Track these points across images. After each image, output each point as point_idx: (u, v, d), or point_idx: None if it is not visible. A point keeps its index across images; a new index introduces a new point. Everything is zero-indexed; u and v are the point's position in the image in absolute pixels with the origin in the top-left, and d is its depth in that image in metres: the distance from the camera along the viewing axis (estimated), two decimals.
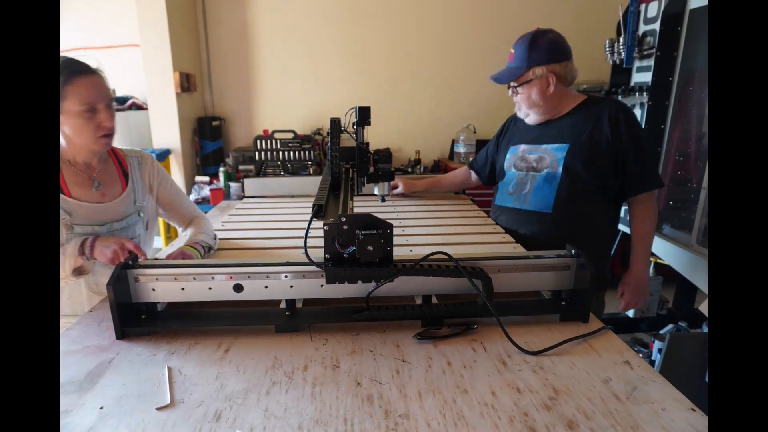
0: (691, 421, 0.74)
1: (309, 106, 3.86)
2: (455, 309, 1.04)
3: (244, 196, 2.23)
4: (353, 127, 1.36)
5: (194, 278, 1.03)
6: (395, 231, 0.99)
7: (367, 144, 1.37)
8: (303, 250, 0.97)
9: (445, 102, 3.90)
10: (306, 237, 0.98)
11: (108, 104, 1.22)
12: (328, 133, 4.02)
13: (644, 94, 2.09)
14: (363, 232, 0.93)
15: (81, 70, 1.18)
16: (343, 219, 0.94)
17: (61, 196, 1.17)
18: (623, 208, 2.35)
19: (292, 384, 0.84)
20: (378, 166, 1.37)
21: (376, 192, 1.44)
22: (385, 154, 1.38)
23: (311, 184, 2.31)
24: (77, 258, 1.18)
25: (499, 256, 1.08)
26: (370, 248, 0.93)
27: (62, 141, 1.21)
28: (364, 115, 1.34)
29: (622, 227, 2.42)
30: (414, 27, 3.73)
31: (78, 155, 1.24)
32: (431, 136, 3.90)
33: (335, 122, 1.34)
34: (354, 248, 0.94)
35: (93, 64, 1.22)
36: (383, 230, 0.94)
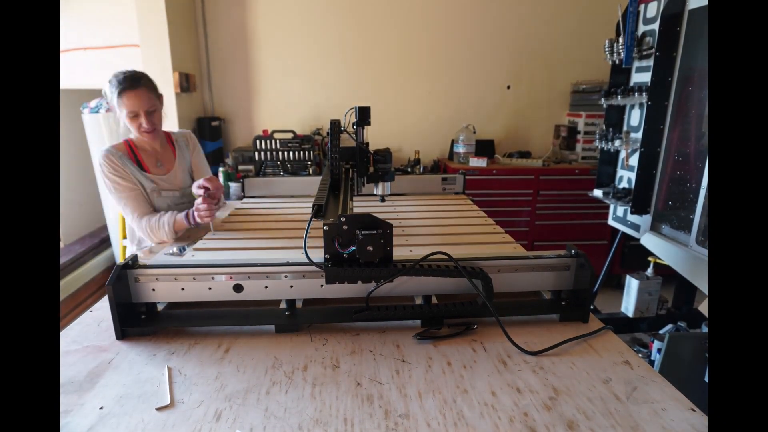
0: (691, 421, 0.74)
1: (308, 106, 3.86)
2: (455, 309, 1.04)
3: (244, 196, 2.23)
4: (353, 127, 1.36)
5: (194, 278, 1.03)
6: (395, 231, 0.99)
7: (367, 144, 1.37)
8: (302, 250, 0.97)
9: (444, 102, 3.89)
10: (305, 237, 0.98)
11: (147, 111, 1.64)
12: (327, 133, 4.01)
13: (643, 94, 2.09)
14: (363, 232, 0.93)
15: (126, 87, 1.59)
16: (343, 219, 0.94)
17: (144, 174, 1.71)
18: (622, 208, 2.36)
19: (292, 384, 0.84)
20: (378, 166, 1.37)
21: (376, 192, 1.44)
22: (384, 154, 1.37)
23: (311, 184, 2.31)
24: (183, 226, 1.65)
25: (499, 256, 1.08)
26: (370, 248, 0.93)
27: (133, 132, 1.70)
28: (363, 115, 1.34)
29: (621, 227, 2.43)
30: (414, 27, 3.73)
31: (145, 142, 1.74)
32: (431, 136, 3.89)
33: (335, 123, 1.34)
34: (354, 248, 0.94)
35: (138, 77, 1.63)
36: (383, 230, 0.94)
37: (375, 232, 0.94)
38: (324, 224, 0.95)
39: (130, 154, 1.71)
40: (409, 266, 0.99)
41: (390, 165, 1.38)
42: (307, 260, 0.99)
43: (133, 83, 1.61)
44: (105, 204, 3.64)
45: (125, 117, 1.64)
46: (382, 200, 1.46)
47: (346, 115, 1.37)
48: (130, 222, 1.72)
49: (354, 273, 0.97)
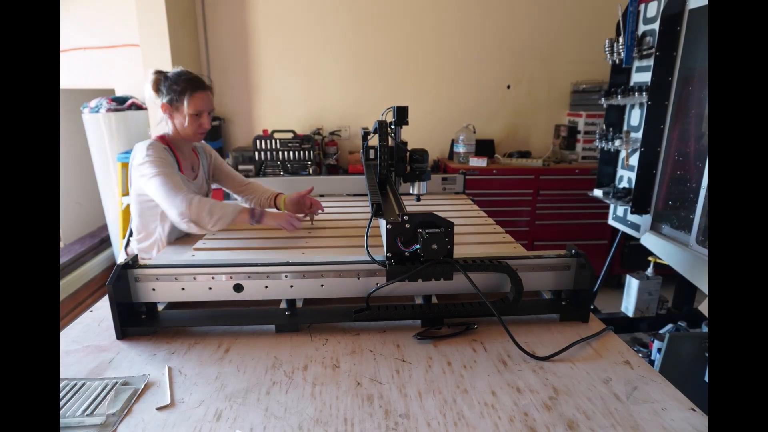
0: (691, 421, 0.74)
1: (308, 106, 3.86)
2: (455, 309, 1.04)
3: None
4: (390, 127, 1.37)
5: (194, 278, 1.03)
6: None
7: (405, 143, 1.37)
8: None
9: (444, 102, 3.89)
10: (367, 236, 1.02)
11: (209, 112, 1.68)
12: (330, 133, 3.98)
13: (643, 93, 2.09)
14: (427, 230, 0.94)
15: (199, 86, 1.63)
16: (406, 218, 0.95)
17: (180, 174, 1.63)
18: (622, 208, 2.36)
19: (292, 384, 0.84)
20: (415, 165, 1.37)
21: (412, 191, 1.44)
22: (422, 154, 1.37)
23: (310, 184, 2.30)
24: (244, 220, 1.56)
25: (499, 257, 1.08)
26: (435, 246, 0.94)
27: (171, 131, 1.66)
28: (402, 115, 1.34)
29: (621, 227, 2.43)
30: (414, 27, 3.73)
31: (182, 144, 1.71)
32: (431, 136, 3.89)
33: (382, 124, 1.35)
34: (418, 246, 0.95)
35: (207, 82, 1.68)
36: (445, 228, 0.95)
37: (439, 230, 0.95)
38: (387, 223, 0.96)
39: (170, 150, 1.67)
40: (470, 263, 1.00)
41: (426, 164, 1.38)
42: (369, 259, 1.02)
43: (203, 85, 1.65)
44: (105, 204, 3.64)
45: (186, 115, 1.62)
46: (418, 199, 1.46)
47: (382, 115, 1.37)
48: (176, 199, 1.48)
49: (417, 271, 0.98)
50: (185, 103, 1.60)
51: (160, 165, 1.53)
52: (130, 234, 1.76)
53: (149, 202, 1.61)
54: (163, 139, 1.66)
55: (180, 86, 1.60)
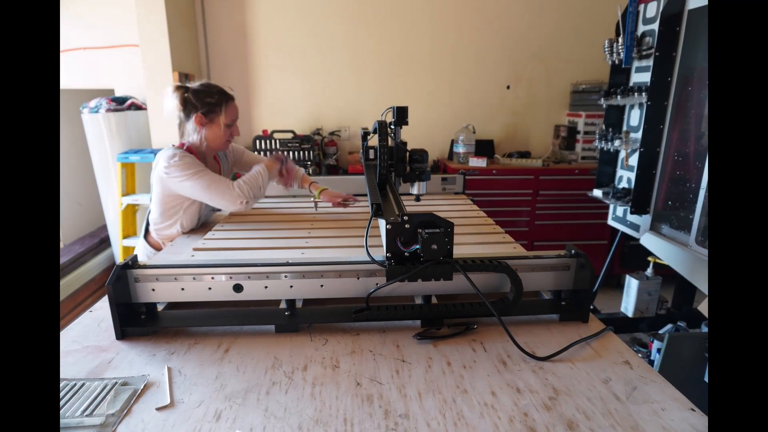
0: (691, 421, 0.74)
1: (308, 106, 3.86)
2: (455, 309, 1.04)
3: None
4: (390, 127, 1.37)
5: (194, 278, 1.03)
6: None
7: (405, 143, 1.38)
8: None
9: (444, 102, 3.89)
10: (366, 236, 1.02)
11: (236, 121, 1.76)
12: (330, 133, 3.98)
13: (643, 94, 2.09)
14: (427, 230, 0.94)
15: (230, 97, 1.70)
16: (406, 218, 0.95)
17: None
18: (622, 208, 2.36)
19: (292, 384, 0.84)
20: (414, 165, 1.37)
21: (412, 191, 1.44)
22: (421, 154, 1.37)
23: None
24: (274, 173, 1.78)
25: (499, 257, 1.08)
26: (434, 246, 0.94)
27: (200, 142, 1.69)
28: (401, 115, 1.34)
29: (621, 227, 2.43)
30: (413, 28, 3.73)
31: (206, 154, 1.75)
32: (430, 136, 3.90)
33: (382, 124, 1.35)
34: (417, 247, 0.96)
35: (232, 93, 1.73)
36: (445, 229, 0.95)
37: (439, 230, 0.95)
38: (387, 223, 0.96)
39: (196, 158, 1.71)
40: (470, 263, 1.00)
41: (426, 164, 1.38)
42: (369, 259, 1.02)
43: (232, 96, 1.71)
44: (105, 204, 3.63)
45: (222, 125, 1.68)
46: (418, 199, 1.46)
47: (382, 115, 1.38)
48: (228, 195, 1.62)
49: (417, 271, 0.98)
50: (222, 113, 1.67)
51: (191, 166, 1.61)
52: (147, 225, 1.84)
53: (173, 197, 1.69)
54: (186, 148, 1.70)
55: (215, 98, 1.66)
